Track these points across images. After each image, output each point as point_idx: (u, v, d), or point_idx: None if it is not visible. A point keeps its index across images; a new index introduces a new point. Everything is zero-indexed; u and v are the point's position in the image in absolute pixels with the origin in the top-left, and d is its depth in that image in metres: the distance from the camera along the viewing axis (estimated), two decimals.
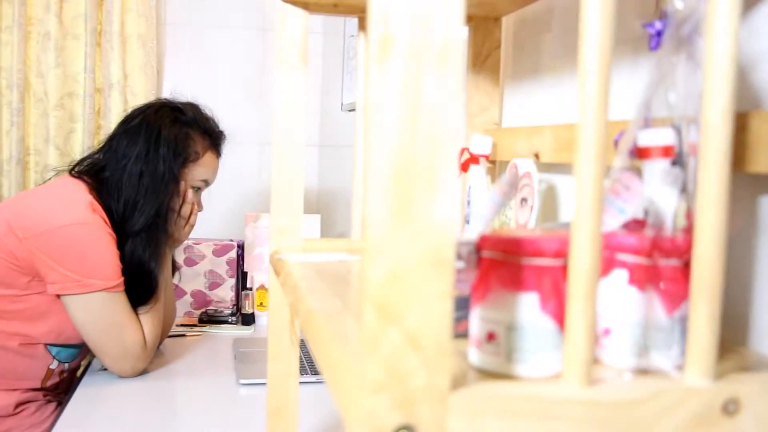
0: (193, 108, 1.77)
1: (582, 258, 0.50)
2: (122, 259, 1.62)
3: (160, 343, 1.84)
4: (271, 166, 1.06)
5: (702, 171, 0.52)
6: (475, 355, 0.56)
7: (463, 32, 0.44)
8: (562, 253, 0.53)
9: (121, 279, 1.59)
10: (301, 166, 1.05)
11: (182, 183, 1.71)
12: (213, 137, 1.78)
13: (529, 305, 0.53)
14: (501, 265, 0.54)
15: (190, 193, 1.74)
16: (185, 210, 1.74)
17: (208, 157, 1.76)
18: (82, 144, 2.63)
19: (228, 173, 1.99)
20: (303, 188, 1.06)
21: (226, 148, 1.84)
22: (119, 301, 1.58)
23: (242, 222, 2.44)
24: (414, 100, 0.43)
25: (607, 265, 0.58)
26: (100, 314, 1.57)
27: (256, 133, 2.88)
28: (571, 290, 0.50)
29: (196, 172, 1.74)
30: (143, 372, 1.69)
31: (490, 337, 0.54)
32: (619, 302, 0.58)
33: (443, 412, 0.46)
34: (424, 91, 0.43)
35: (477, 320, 0.56)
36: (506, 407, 0.48)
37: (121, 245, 1.62)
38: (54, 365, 1.67)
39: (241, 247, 2.29)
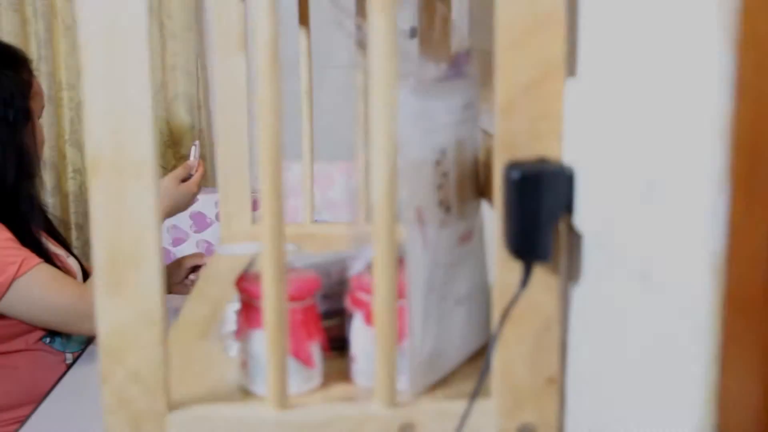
0: None
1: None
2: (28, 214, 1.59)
3: None
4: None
5: None
6: (240, 377, 0.66)
7: None
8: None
9: (21, 257, 1.50)
10: None
11: (34, 117, 1.65)
12: (26, 60, 1.69)
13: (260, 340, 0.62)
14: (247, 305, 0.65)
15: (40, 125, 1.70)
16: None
17: (35, 80, 1.69)
18: None
19: None
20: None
21: None
22: (32, 279, 1.50)
23: None
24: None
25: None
26: (26, 301, 1.50)
27: None
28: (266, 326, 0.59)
29: (36, 101, 1.67)
30: None
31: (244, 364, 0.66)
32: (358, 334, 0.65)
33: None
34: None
35: (240, 351, 0.66)
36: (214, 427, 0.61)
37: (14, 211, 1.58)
38: (69, 359, 1.64)
39: None
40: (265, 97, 0.57)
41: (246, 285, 0.64)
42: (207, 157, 2.38)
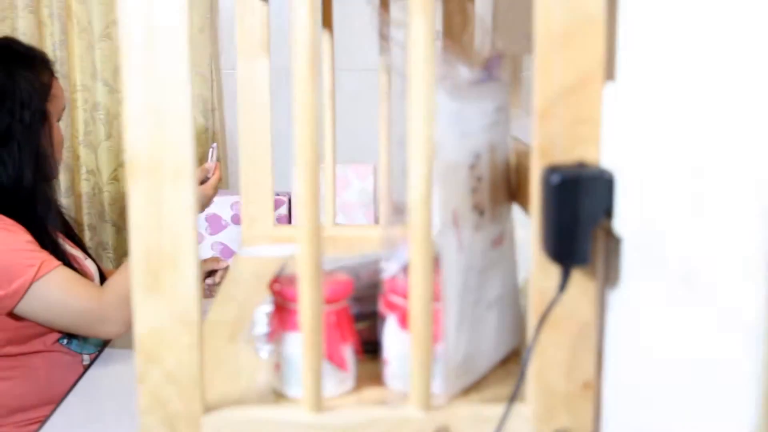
0: (15, 42, 1.69)
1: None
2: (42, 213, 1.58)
3: None
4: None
5: None
6: (272, 379, 0.67)
7: None
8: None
9: (40, 260, 1.50)
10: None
11: (51, 119, 1.64)
12: (47, 62, 1.68)
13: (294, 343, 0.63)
14: (281, 308, 0.65)
15: (58, 127, 1.68)
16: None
17: (55, 81, 1.67)
18: None
19: None
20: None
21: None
22: (50, 282, 1.50)
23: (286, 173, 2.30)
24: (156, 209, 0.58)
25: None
26: (44, 304, 1.50)
27: None
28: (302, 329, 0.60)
29: (55, 103, 1.65)
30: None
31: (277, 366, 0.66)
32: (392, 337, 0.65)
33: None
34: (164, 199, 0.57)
35: (272, 353, 0.67)
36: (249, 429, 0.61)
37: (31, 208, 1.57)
38: (86, 360, 1.63)
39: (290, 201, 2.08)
40: (302, 100, 0.57)
41: (280, 288, 0.63)
42: (221, 160, 2.38)
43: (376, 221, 1.82)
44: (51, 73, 1.66)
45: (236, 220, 2.01)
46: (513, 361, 0.70)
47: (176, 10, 0.55)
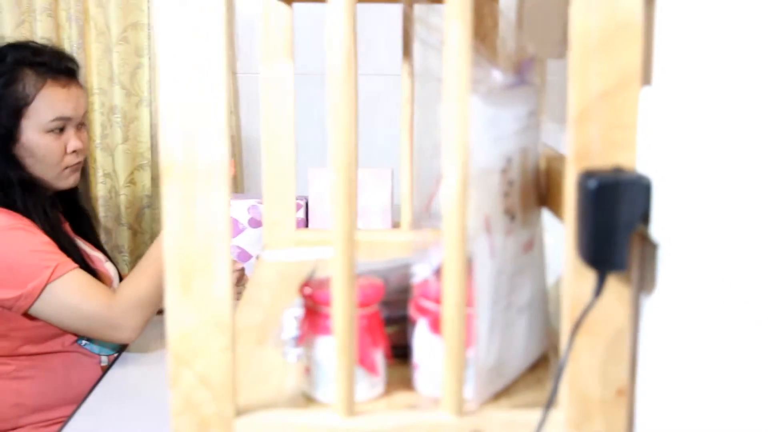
0: (14, 48, 1.61)
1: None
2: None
3: None
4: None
5: None
6: (302, 383, 0.67)
7: None
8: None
9: (56, 262, 1.49)
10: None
11: (17, 132, 1.55)
12: (46, 66, 1.57)
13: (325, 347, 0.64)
14: (312, 312, 0.65)
15: (42, 141, 1.58)
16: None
17: (48, 91, 1.55)
18: (150, 81, 2.35)
19: None
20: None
21: None
22: (64, 284, 1.49)
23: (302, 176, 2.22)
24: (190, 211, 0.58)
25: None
26: (57, 306, 1.50)
27: None
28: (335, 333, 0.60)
29: (39, 115, 1.55)
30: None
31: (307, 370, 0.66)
32: (422, 342, 0.65)
33: None
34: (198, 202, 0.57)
35: (302, 357, 0.67)
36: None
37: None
38: (104, 361, 1.64)
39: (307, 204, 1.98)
40: (339, 103, 0.57)
41: (311, 291, 0.63)
42: (238, 164, 2.38)
43: (394, 226, 1.81)
44: (43, 80, 1.56)
45: (253, 223, 2.00)
46: (541, 366, 0.70)
47: (215, 15, 0.55)
